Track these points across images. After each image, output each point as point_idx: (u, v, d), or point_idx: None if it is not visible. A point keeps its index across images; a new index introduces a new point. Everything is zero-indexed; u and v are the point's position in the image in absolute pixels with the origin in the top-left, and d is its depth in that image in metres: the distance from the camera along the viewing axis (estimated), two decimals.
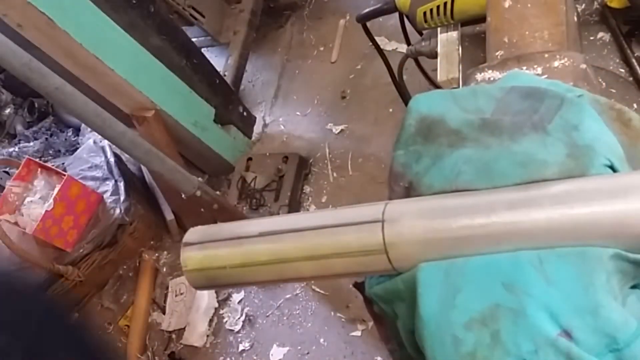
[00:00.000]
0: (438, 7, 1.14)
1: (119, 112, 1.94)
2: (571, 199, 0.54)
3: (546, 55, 0.79)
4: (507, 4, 0.88)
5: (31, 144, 2.70)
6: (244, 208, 2.12)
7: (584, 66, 0.77)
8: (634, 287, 0.56)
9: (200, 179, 1.70)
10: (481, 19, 1.11)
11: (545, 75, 0.76)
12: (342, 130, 2.30)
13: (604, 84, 0.82)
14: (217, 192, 2.06)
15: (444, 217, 0.57)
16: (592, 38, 0.99)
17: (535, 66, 0.78)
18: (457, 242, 0.56)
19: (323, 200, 2.13)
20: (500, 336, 0.52)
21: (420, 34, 1.35)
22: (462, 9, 1.13)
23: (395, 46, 2.36)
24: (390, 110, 2.23)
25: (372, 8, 1.38)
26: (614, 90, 0.82)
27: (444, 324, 0.55)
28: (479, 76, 0.81)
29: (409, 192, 0.64)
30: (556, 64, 0.78)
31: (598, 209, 0.53)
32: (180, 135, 2.10)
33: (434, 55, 1.18)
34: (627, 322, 0.51)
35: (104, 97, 1.90)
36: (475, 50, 1.02)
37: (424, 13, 1.17)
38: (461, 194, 0.59)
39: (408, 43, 1.56)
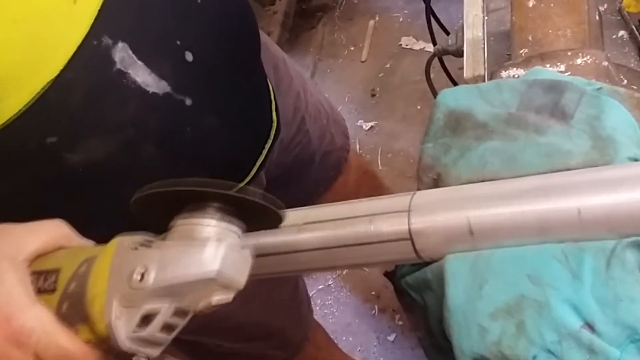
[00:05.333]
0: None
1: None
2: (598, 187, 0.53)
3: (569, 53, 0.78)
4: (531, 4, 0.87)
5: None
6: None
7: (605, 63, 0.76)
8: None
9: None
10: None
11: (568, 73, 0.75)
12: (372, 126, 2.30)
13: (625, 80, 0.80)
14: None
15: (469, 207, 0.56)
16: (613, 37, 0.97)
17: (559, 63, 0.77)
18: (483, 232, 0.55)
19: None
20: (525, 326, 0.51)
21: (447, 33, 1.34)
22: None
23: (422, 45, 2.36)
24: (419, 107, 2.22)
25: None
26: (635, 87, 0.81)
27: (471, 313, 0.54)
28: (504, 73, 0.81)
29: (438, 183, 0.64)
30: (579, 61, 0.77)
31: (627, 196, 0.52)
32: None
33: (460, 54, 1.17)
34: None
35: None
36: (500, 49, 1.01)
37: None
38: (487, 184, 0.59)
39: (434, 42, 1.55)
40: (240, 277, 0.53)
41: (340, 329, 1.91)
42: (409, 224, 0.57)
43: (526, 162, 0.59)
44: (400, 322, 1.85)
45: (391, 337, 1.84)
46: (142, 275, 0.51)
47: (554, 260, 0.53)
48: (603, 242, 0.52)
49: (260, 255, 0.64)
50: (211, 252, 0.51)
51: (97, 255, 0.54)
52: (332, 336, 1.62)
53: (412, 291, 0.64)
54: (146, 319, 0.51)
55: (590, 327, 0.50)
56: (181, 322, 0.53)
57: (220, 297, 0.52)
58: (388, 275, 0.70)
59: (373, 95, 2.38)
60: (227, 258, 0.51)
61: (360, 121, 2.33)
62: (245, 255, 0.54)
